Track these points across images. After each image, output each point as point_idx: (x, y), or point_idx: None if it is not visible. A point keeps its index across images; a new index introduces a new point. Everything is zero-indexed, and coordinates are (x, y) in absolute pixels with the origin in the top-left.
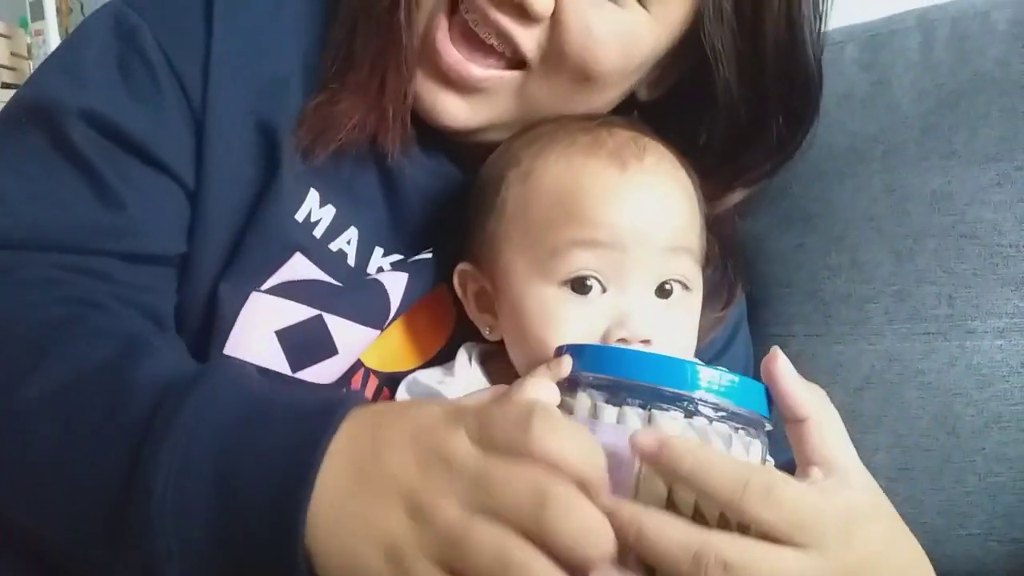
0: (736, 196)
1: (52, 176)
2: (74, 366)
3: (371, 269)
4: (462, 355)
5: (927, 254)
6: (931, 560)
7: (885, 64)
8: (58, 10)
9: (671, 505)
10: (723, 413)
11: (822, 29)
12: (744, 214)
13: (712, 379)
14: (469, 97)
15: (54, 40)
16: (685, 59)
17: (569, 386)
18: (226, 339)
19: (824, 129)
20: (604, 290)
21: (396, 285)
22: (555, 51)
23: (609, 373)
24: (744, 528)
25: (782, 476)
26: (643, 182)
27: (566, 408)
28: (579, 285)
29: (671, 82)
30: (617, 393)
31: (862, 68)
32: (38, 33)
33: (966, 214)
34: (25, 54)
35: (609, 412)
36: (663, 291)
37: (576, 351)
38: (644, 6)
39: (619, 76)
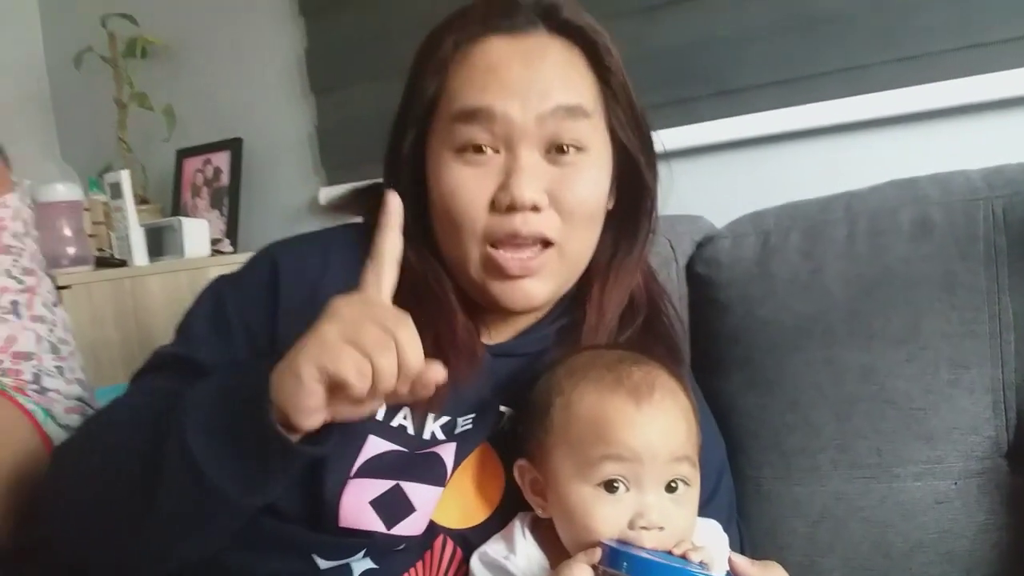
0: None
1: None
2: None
3: (427, 434)
4: (517, 527)
5: (859, 416)
6: None
7: (820, 253)
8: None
9: None
10: None
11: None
12: None
13: None
14: (535, 279)
15: (133, 217)
16: (617, 179)
17: (603, 572)
18: (337, 515)
19: (776, 309)
20: (628, 489)
21: (448, 453)
22: (567, 217)
23: (630, 574)
24: None
25: None
26: (653, 414)
27: None
28: (609, 486)
29: (614, 193)
30: None
31: (803, 256)
32: (117, 209)
33: (886, 384)
34: (103, 220)
35: None
36: (670, 488)
37: (612, 551)
38: (589, 152)
39: (601, 205)
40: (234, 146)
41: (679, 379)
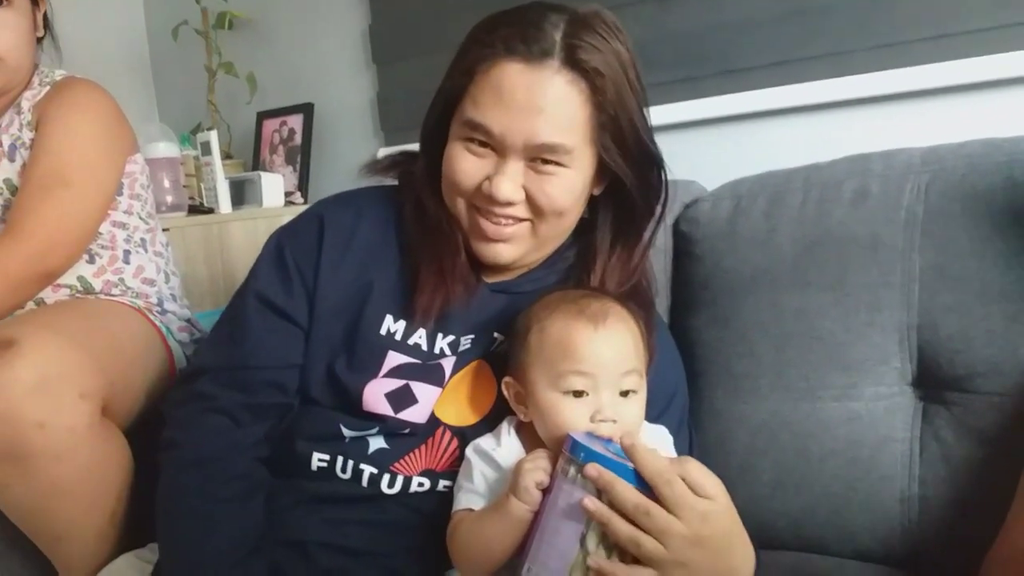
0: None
1: (232, 330)
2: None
3: (436, 349)
4: (504, 427)
5: (793, 348)
6: (793, 538)
7: (777, 216)
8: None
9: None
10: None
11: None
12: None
13: (632, 476)
14: (507, 244)
15: (219, 171)
16: (602, 174)
17: (568, 460)
18: (360, 402)
19: (737, 261)
20: (588, 395)
21: (449, 364)
22: (537, 211)
23: (586, 463)
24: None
25: (677, 477)
26: (607, 335)
27: (563, 472)
28: (575, 393)
29: (603, 183)
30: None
31: (764, 217)
32: (207, 164)
33: (815, 323)
34: (193, 173)
35: (580, 481)
36: (623, 393)
37: (574, 442)
38: (568, 167)
39: (574, 204)
40: (306, 110)
41: (630, 310)
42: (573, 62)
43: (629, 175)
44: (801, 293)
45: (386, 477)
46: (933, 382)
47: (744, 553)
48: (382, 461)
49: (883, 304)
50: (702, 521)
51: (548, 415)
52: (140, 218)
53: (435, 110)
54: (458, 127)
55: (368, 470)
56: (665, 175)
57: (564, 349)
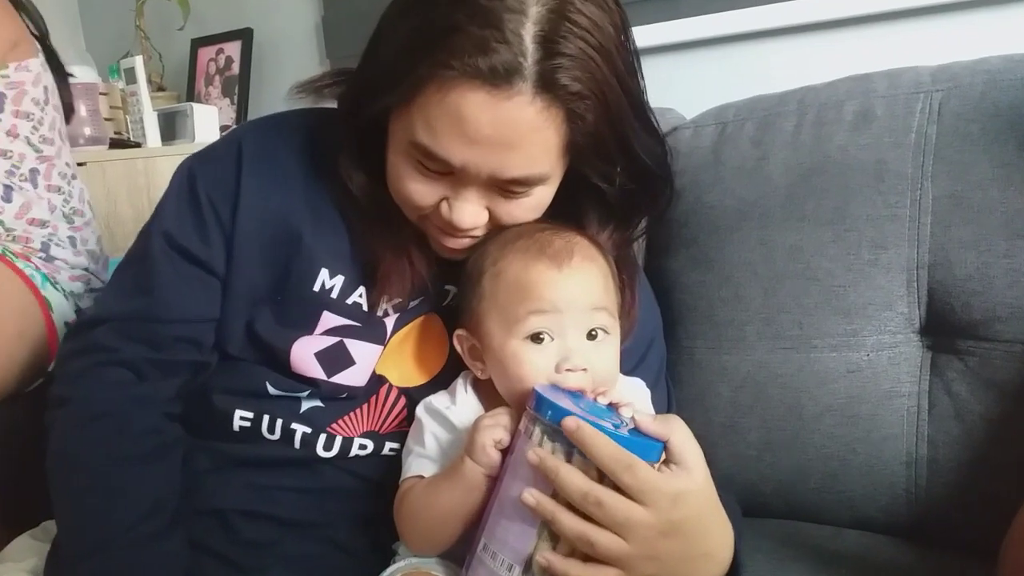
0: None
1: (137, 275)
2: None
3: (380, 311)
4: (460, 383)
5: (785, 291)
6: (782, 505)
7: (768, 142)
8: (145, 62)
9: None
10: None
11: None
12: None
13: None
14: (464, 249)
15: (146, 101)
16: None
17: (532, 418)
18: (288, 360)
19: (722, 194)
20: (552, 339)
21: (390, 321)
22: (499, 227)
23: (553, 422)
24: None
25: (641, 461)
26: (571, 274)
27: (527, 432)
28: (536, 338)
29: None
30: (554, 435)
31: (753, 145)
32: (132, 94)
33: (811, 263)
34: (120, 105)
35: (547, 443)
36: (591, 336)
37: (539, 397)
38: (540, 186)
39: (541, 212)
40: (245, 36)
41: (598, 246)
42: (549, 85)
43: (616, 185)
44: (795, 229)
45: (322, 438)
46: (945, 329)
47: (721, 534)
48: (317, 421)
49: (889, 240)
50: (673, 505)
51: (508, 367)
52: (29, 143)
53: (368, 104)
54: (405, 143)
55: (301, 430)
56: (671, 191)
57: (523, 292)
